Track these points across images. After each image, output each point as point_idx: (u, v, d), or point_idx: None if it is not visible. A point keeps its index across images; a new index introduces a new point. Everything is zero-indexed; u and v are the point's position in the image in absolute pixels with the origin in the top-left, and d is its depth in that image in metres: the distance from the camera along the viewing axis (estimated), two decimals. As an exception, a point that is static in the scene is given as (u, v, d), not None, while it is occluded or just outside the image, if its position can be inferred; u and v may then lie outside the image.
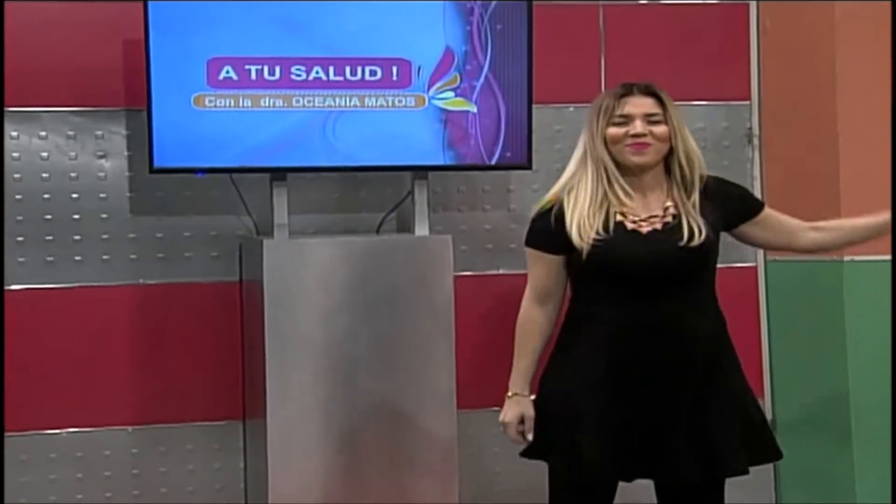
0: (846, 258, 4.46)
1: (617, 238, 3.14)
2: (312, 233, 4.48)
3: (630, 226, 3.17)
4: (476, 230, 4.62)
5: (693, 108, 4.73)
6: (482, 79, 4.30)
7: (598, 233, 3.13)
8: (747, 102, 4.83)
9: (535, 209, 3.30)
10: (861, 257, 4.42)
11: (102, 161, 4.40)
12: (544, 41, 4.40)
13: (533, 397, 3.27)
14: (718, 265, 4.94)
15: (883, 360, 4.40)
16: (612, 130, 3.18)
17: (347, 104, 4.22)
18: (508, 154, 4.31)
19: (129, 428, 4.43)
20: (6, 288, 4.22)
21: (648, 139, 3.17)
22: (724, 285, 4.77)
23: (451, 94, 4.28)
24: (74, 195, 4.38)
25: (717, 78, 4.78)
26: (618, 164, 3.20)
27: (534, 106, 4.31)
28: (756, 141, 4.84)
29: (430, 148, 4.30)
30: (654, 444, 3.15)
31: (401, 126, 4.27)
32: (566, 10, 4.66)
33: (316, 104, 4.20)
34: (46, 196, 4.35)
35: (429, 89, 4.26)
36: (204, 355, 4.46)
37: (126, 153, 4.40)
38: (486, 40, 4.29)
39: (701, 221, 3.16)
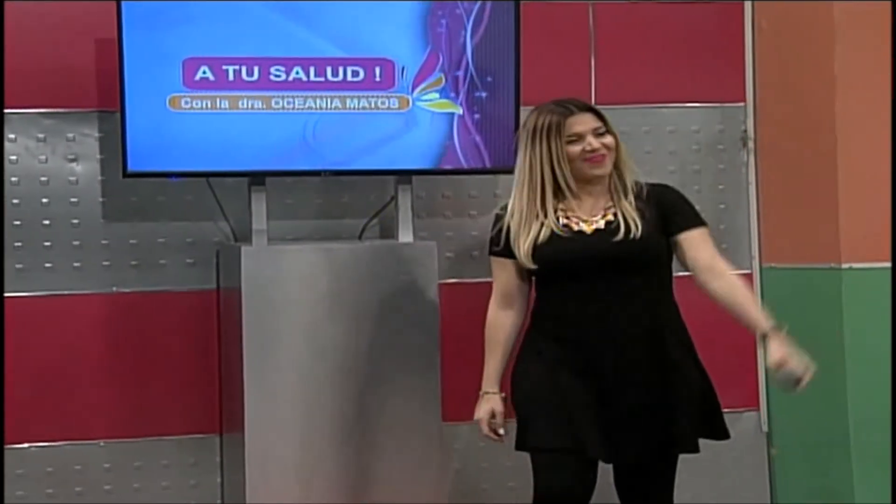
0: (844, 265, 4.45)
1: (565, 240, 3.46)
2: (292, 239, 4.45)
3: (576, 227, 3.48)
4: (462, 236, 4.59)
5: (687, 109, 4.75)
6: (468, 80, 4.28)
7: (546, 237, 3.45)
8: (742, 104, 4.80)
9: (494, 219, 3.58)
10: (860, 264, 4.46)
11: (74, 165, 4.37)
12: (533, 40, 4.40)
13: (503, 395, 3.55)
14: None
15: (882, 371, 4.42)
16: (571, 149, 3.46)
17: (329, 106, 4.21)
18: (495, 158, 4.29)
19: (102, 442, 4.38)
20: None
21: (603, 151, 3.48)
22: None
23: (437, 95, 4.26)
24: (45, 200, 4.33)
25: (712, 79, 4.82)
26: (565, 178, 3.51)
27: (521, 107, 4.27)
28: (751, 144, 4.81)
29: (414, 151, 4.28)
30: (613, 425, 3.44)
31: (384, 129, 4.26)
32: (556, 8, 4.64)
33: (296, 106, 4.19)
34: (15, 201, 4.31)
35: (413, 91, 4.25)
36: (180, 366, 4.43)
37: (99, 156, 4.37)
38: (473, 40, 4.26)
39: (637, 218, 3.46)
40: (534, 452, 3.47)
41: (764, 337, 3.37)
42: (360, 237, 4.47)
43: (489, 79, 4.27)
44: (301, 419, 4.13)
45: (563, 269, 3.44)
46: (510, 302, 3.54)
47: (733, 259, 4.75)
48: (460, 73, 4.26)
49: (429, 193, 4.55)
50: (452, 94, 4.25)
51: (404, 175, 4.32)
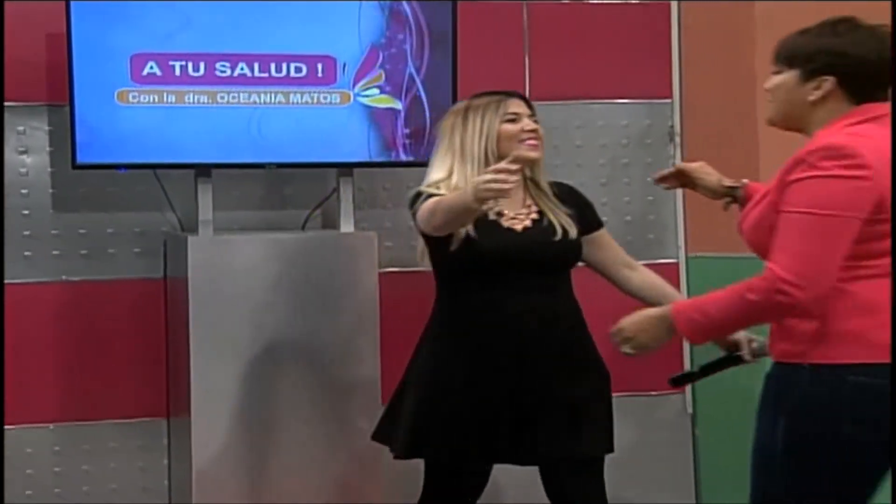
0: (769, 254, 4.51)
1: (495, 236, 3.34)
2: (237, 229, 4.47)
3: (505, 223, 3.37)
4: (401, 227, 4.57)
5: (616, 105, 4.81)
6: (407, 76, 4.31)
7: (476, 230, 3.30)
8: (669, 101, 4.86)
9: (414, 194, 3.44)
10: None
11: (24, 157, 4.36)
12: (469, 38, 4.43)
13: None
14: (640, 261, 4.99)
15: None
16: (508, 127, 3.37)
17: (272, 101, 4.23)
18: (432, 151, 4.31)
19: (51, 425, 4.40)
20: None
21: (537, 135, 3.40)
22: (646, 281, 4.80)
23: (377, 91, 4.30)
24: (-5, 192, 4.29)
25: (640, 76, 4.82)
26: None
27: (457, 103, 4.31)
28: (678, 139, 4.87)
29: (355, 145, 4.31)
30: (529, 423, 3.34)
31: (326, 123, 4.28)
32: (491, 7, 4.68)
33: (241, 100, 4.21)
34: (-34, 193, 4.27)
35: (354, 86, 4.28)
36: (128, 353, 4.43)
37: (48, 149, 4.36)
38: (412, 38, 4.31)
39: (568, 218, 3.40)
40: (434, 465, 3.44)
41: None
42: (303, 227, 4.48)
43: (428, 75, 4.30)
44: (245, 404, 4.14)
45: (505, 263, 3.33)
46: None
47: (660, 248, 4.80)
48: (399, 70, 4.29)
49: (369, 185, 4.57)
50: (392, 90, 4.28)
51: (345, 168, 4.34)
